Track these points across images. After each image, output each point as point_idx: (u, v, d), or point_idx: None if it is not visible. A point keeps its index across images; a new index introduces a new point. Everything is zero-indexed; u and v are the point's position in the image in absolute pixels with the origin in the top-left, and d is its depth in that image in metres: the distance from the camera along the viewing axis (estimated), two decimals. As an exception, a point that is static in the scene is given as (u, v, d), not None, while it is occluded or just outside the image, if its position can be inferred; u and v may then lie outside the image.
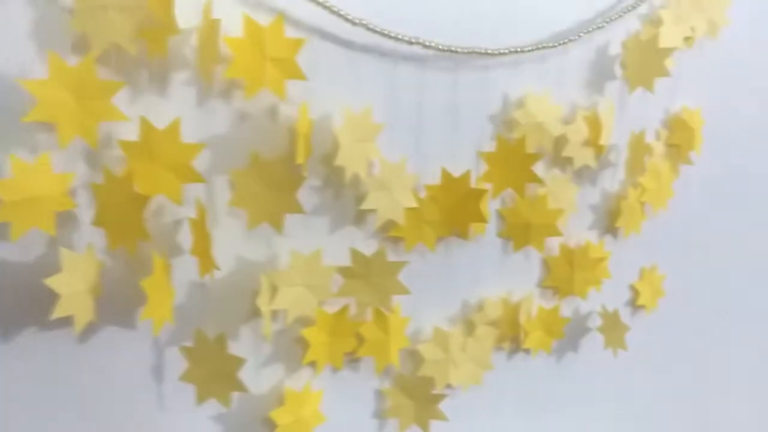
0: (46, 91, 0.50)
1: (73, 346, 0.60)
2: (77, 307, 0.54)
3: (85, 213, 0.57)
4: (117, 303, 0.60)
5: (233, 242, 0.64)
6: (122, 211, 0.54)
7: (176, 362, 0.63)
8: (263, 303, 0.60)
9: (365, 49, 0.65)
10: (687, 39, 0.83)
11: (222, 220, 0.63)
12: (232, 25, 0.57)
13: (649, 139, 0.86)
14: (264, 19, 0.57)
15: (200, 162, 0.60)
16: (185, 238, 0.61)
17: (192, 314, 0.64)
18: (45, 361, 0.59)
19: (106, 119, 0.52)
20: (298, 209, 0.61)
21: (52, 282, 0.52)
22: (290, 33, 0.60)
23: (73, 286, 0.53)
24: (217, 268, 0.58)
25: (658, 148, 0.86)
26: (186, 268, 0.62)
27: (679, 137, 0.86)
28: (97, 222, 0.56)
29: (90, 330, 0.60)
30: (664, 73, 0.76)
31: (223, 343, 0.61)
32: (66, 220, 0.57)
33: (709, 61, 0.87)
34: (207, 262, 0.58)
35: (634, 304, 0.92)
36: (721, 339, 1.04)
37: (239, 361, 0.62)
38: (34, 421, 0.60)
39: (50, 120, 0.51)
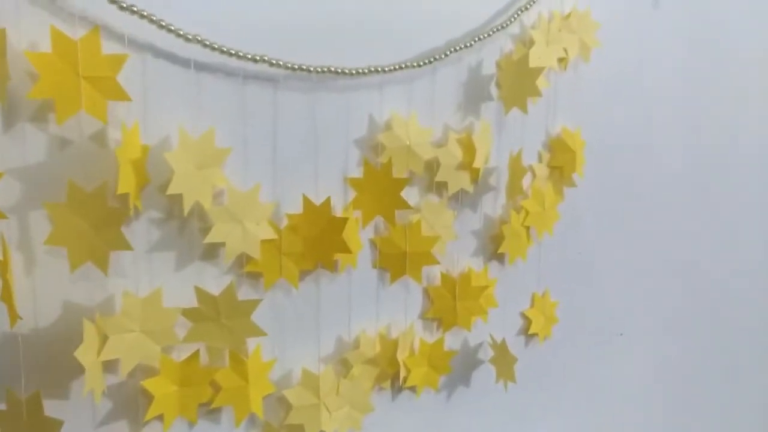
0: None
1: None
2: None
3: None
4: None
5: (59, 285, 0.56)
6: None
7: (-11, 428, 0.54)
8: (85, 354, 0.53)
9: (208, 67, 0.59)
10: (561, 60, 0.82)
11: (43, 260, 0.55)
12: (43, 38, 0.51)
13: (531, 161, 0.84)
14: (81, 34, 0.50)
15: (10, 195, 0.53)
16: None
17: (10, 370, 0.55)
18: None
19: None
20: (124, 246, 0.54)
21: None
22: (114, 49, 0.54)
23: None
24: (19, 318, 0.50)
25: (541, 170, 0.84)
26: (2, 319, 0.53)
27: (560, 159, 0.85)
28: None
29: None
30: (536, 93, 0.74)
31: (38, 404, 0.53)
32: None
33: (585, 82, 0.87)
34: (12, 311, 0.50)
35: (527, 333, 0.89)
36: (616, 361, 1.02)
37: (56, 424, 0.53)
38: None
39: None
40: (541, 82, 0.75)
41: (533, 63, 0.75)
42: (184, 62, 0.58)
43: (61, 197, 0.53)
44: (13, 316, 0.51)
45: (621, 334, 1.02)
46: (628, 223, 0.98)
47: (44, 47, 0.51)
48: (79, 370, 0.54)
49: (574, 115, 0.86)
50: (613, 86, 0.90)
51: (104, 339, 0.55)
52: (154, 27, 0.54)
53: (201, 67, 0.59)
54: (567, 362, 0.95)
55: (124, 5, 0.52)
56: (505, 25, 0.75)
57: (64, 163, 0.54)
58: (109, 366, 0.58)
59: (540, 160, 0.85)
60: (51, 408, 0.55)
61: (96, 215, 0.53)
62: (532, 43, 0.77)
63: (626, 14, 0.90)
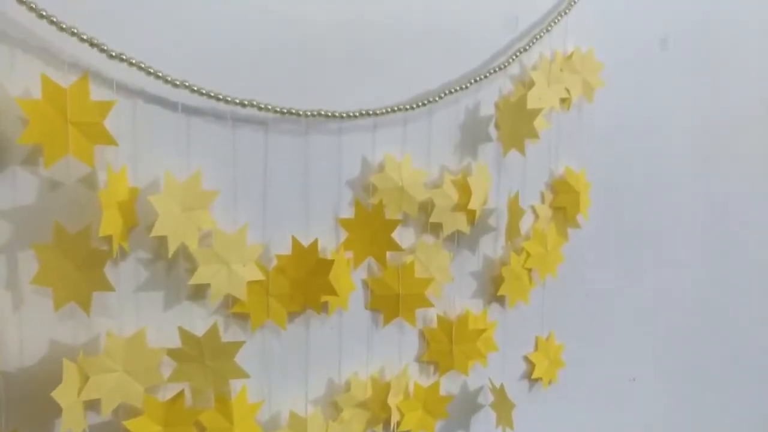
0: None
1: None
2: None
3: None
4: None
5: (45, 324, 0.57)
6: None
7: (-28, 465, 0.55)
8: (63, 394, 0.53)
9: (197, 111, 0.60)
10: (564, 101, 0.81)
11: (30, 299, 0.56)
12: (36, 85, 0.52)
13: (534, 201, 0.83)
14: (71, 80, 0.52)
15: (0, 236, 0.54)
16: (-17, 321, 0.55)
17: (-7, 409, 0.56)
18: None
19: None
20: (106, 287, 0.55)
21: None
22: (105, 95, 0.55)
23: None
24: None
25: (543, 211, 0.83)
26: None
27: (564, 200, 0.83)
28: None
29: None
30: (533, 135, 0.73)
31: (18, 442, 0.54)
32: None
33: (590, 123, 0.85)
34: (-6, 350, 0.51)
35: (531, 377, 0.86)
36: (627, 408, 0.98)
37: (34, 464, 0.54)
38: None
39: None
40: (540, 124, 0.75)
41: (531, 104, 0.74)
42: (173, 106, 0.59)
43: (49, 238, 0.54)
44: (-5, 355, 0.52)
45: (633, 380, 0.99)
46: (637, 264, 0.95)
47: (37, 94, 0.53)
48: (60, 408, 0.55)
49: (578, 155, 0.85)
50: (619, 126, 0.89)
51: (86, 379, 0.56)
52: (142, 73, 0.55)
53: (190, 110, 0.60)
54: (574, 408, 0.92)
55: (113, 54, 0.53)
56: (503, 66, 0.75)
57: (53, 205, 0.55)
58: (93, 405, 0.58)
59: (543, 200, 0.83)
60: (33, 446, 0.56)
61: (80, 256, 0.54)
62: (532, 84, 0.77)
63: (632, 54, 0.89)
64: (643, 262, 0.96)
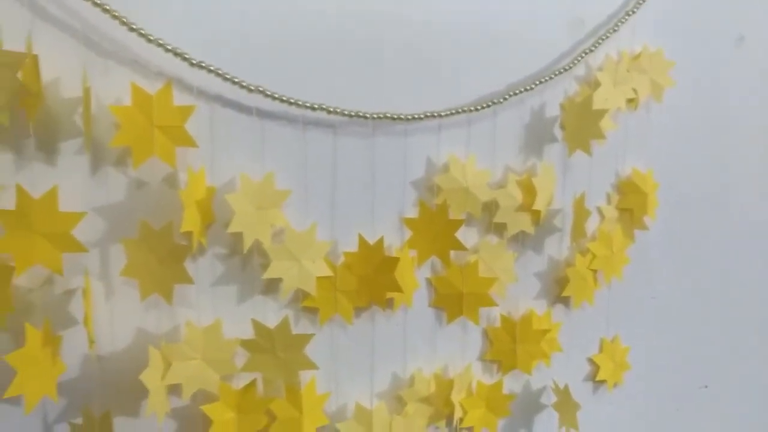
0: None
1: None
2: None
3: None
4: (4, 378, 0.57)
5: (132, 313, 0.62)
6: (-6, 283, 0.53)
7: (68, 440, 0.60)
8: (149, 378, 0.57)
9: (271, 115, 0.64)
10: (631, 101, 0.81)
11: (120, 290, 0.61)
12: (125, 93, 0.57)
13: (599, 203, 0.82)
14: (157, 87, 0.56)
15: (94, 231, 0.59)
16: (79, 309, 0.60)
17: (88, 389, 0.61)
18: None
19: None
20: (186, 279, 0.59)
21: None
22: (187, 100, 0.59)
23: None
24: (92, 341, 0.56)
25: (609, 212, 0.82)
26: (83, 341, 0.59)
27: (630, 201, 0.83)
28: (-26, 293, 0.54)
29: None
30: (599, 135, 0.73)
31: (108, 421, 0.58)
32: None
33: (658, 123, 0.84)
34: (90, 335, 0.56)
35: (595, 379, 0.86)
36: (699, 417, 0.96)
37: (122, 441, 0.58)
38: None
39: None
40: (606, 124, 0.75)
41: (597, 105, 0.74)
42: (249, 110, 0.63)
43: (135, 234, 0.58)
44: (91, 340, 0.56)
45: (705, 387, 0.96)
46: (706, 268, 0.93)
47: (127, 101, 0.57)
48: (146, 392, 0.59)
49: (646, 156, 0.84)
50: (689, 127, 0.87)
51: (168, 365, 0.60)
52: (220, 79, 0.59)
53: (264, 114, 0.63)
54: (640, 413, 0.91)
55: (194, 62, 0.57)
56: (568, 67, 0.75)
57: (140, 202, 0.60)
58: (174, 389, 0.62)
59: (609, 201, 0.83)
60: (121, 425, 0.61)
61: (163, 251, 0.58)
62: (597, 84, 0.77)
63: (705, 52, 0.87)
64: (713, 265, 0.93)
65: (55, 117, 0.57)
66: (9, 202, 0.54)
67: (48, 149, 0.57)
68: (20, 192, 0.53)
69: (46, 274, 0.58)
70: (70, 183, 0.57)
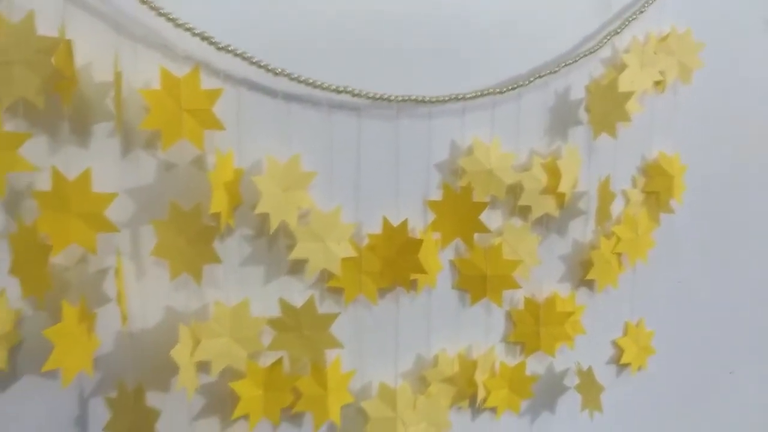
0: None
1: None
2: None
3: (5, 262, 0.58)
4: (41, 353, 0.60)
5: (162, 293, 0.63)
6: (32, 261, 0.55)
7: (103, 414, 0.62)
8: (179, 354, 0.59)
9: (297, 98, 0.65)
10: (658, 83, 0.80)
11: (150, 270, 0.63)
12: (154, 77, 0.58)
13: (625, 186, 0.82)
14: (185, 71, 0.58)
15: (125, 212, 0.61)
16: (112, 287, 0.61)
17: (122, 364, 0.63)
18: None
19: (13, 170, 0.53)
20: (214, 259, 0.60)
21: (-46, 329, 0.53)
22: (214, 84, 0.60)
23: (-23, 333, 0.54)
24: (125, 317, 0.58)
25: (635, 195, 0.82)
26: (116, 318, 0.61)
27: (657, 184, 0.82)
28: (12, 271, 0.56)
29: (11, 382, 0.60)
30: (625, 118, 0.73)
31: (141, 395, 0.60)
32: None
33: (686, 105, 0.83)
34: (123, 313, 0.58)
35: (619, 363, 0.86)
36: (725, 403, 0.95)
37: (155, 414, 0.60)
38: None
39: (-44, 171, 0.52)
40: (632, 107, 0.74)
41: (623, 87, 0.73)
42: (274, 93, 0.63)
43: (165, 214, 0.60)
44: (124, 317, 0.58)
45: (731, 372, 0.96)
46: (733, 251, 0.91)
47: (156, 85, 0.58)
48: (177, 368, 0.61)
49: (673, 138, 0.83)
50: (717, 110, 0.86)
51: (197, 342, 0.61)
52: (246, 63, 0.60)
53: (289, 97, 0.64)
54: (664, 398, 0.90)
55: (221, 46, 0.58)
56: (594, 49, 0.74)
57: (169, 184, 0.62)
58: (203, 366, 0.64)
59: (634, 185, 0.82)
60: (152, 399, 0.63)
61: (192, 231, 0.59)
62: (624, 66, 0.76)
63: (734, 34, 0.85)
64: (740, 249, 0.92)
65: (87, 101, 0.58)
66: (45, 184, 0.56)
67: (81, 132, 0.59)
68: (55, 174, 0.54)
69: (80, 254, 0.60)
70: (102, 165, 0.59)
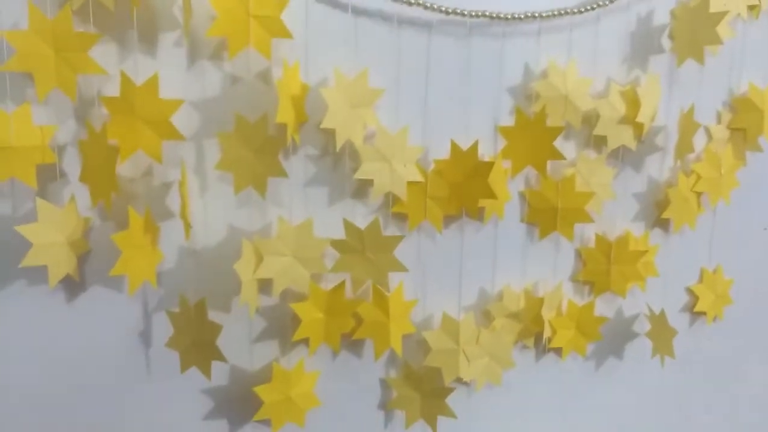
0: (26, 42, 0.51)
1: (60, 308, 0.61)
2: (51, 258, 0.54)
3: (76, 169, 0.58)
4: (108, 265, 0.60)
5: (225, 209, 0.63)
6: (101, 166, 0.55)
7: (165, 328, 0.62)
8: (242, 269, 0.58)
9: (366, 12, 0.62)
10: (752, 8, 0.74)
11: (213, 185, 0.62)
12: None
13: (708, 122, 0.77)
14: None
15: (190, 124, 0.60)
16: (176, 201, 0.61)
17: (184, 279, 0.63)
18: (33, 322, 0.61)
19: (83, 72, 0.53)
20: (280, 173, 0.59)
21: (24, 230, 0.53)
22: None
23: (48, 237, 0.54)
24: (189, 226, 0.57)
25: (719, 132, 0.77)
26: (178, 233, 0.61)
27: (744, 120, 0.76)
28: (82, 178, 0.56)
29: (79, 290, 0.61)
30: (716, 41, 0.67)
31: (203, 310, 0.60)
32: (53, 175, 0.57)
33: (781, 34, 0.77)
34: (186, 226, 0.57)
35: (693, 311, 0.81)
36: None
37: (217, 328, 0.60)
38: (29, 381, 0.62)
39: (27, 70, 0.52)
40: (723, 31, 0.69)
41: (714, 8, 0.68)
42: (343, 6, 0.61)
43: (230, 127, 0.59)
44: (187, 230, 0.57)
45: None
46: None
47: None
48: (238, 287, 0.60)
49: (765, 70, 0.77)
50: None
51: (260, 260, 0.60)
52: (317, -29, 0.58)
53: (359, 11, 0.62)
54: (739, 353, 0.85)
55: (291, -50, 0.56)
56: (683, -32, 0.69)
57: (234, 97, 0.60)
58: (264, 288, 0.63)
59: (719, 120, 0.77)
60: (213, 318, 0.62)
61: (257, 144, 0.58)
62: (716, -13, 0.70)
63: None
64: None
65: (155, 8, 0.57)
66: (114, 90, 0.55)
67: (149, 41, 0.58)
68: (124, 78, 0.54)
69: (146, 166, 0.60)
70: (169, 75, 0.58)
